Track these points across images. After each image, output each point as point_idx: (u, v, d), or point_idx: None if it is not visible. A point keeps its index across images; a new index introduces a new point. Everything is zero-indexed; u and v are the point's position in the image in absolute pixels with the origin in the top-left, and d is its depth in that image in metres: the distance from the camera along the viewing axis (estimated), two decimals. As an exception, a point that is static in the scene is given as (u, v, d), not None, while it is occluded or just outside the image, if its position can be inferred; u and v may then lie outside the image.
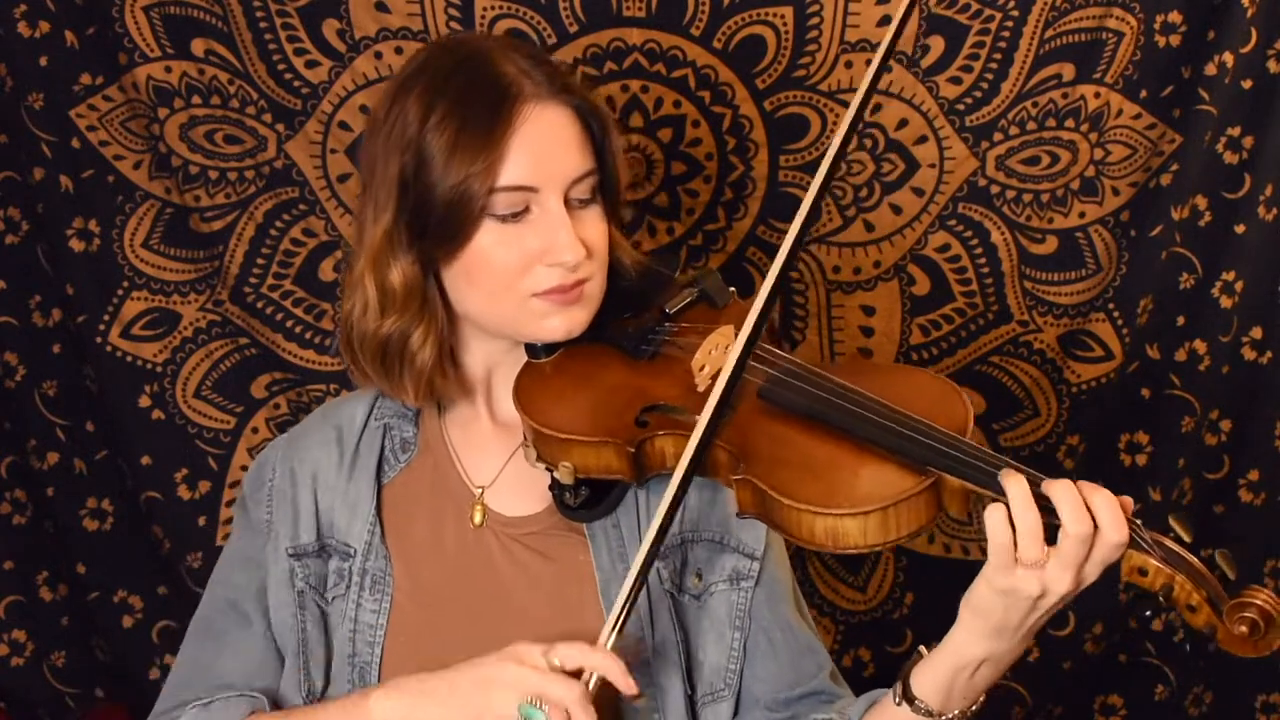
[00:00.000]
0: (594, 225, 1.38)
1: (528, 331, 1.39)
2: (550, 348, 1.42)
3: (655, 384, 1.38)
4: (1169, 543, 1.16)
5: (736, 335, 1.36)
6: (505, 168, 1.32)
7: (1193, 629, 1.17)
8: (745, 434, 1.29)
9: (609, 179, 1.41)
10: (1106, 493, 1.16)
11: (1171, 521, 1.17)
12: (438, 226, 1.34)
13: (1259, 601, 1.13)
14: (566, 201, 1.35)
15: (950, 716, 1.27)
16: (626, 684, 1.21)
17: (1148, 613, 1.17)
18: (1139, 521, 1.17)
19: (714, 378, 1.33)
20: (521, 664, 1.24)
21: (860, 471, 1.24)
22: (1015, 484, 1.15)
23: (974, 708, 1.28)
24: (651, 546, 1.25)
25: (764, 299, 1.32)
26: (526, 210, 1.34)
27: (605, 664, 1.22)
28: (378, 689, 1.31)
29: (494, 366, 1.46)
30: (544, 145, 1.34)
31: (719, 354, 1.36)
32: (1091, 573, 1.16)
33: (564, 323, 1.37)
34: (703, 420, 1.27)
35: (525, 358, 1.43)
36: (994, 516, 1.15)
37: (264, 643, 1.45)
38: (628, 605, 1.24)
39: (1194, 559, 1.16)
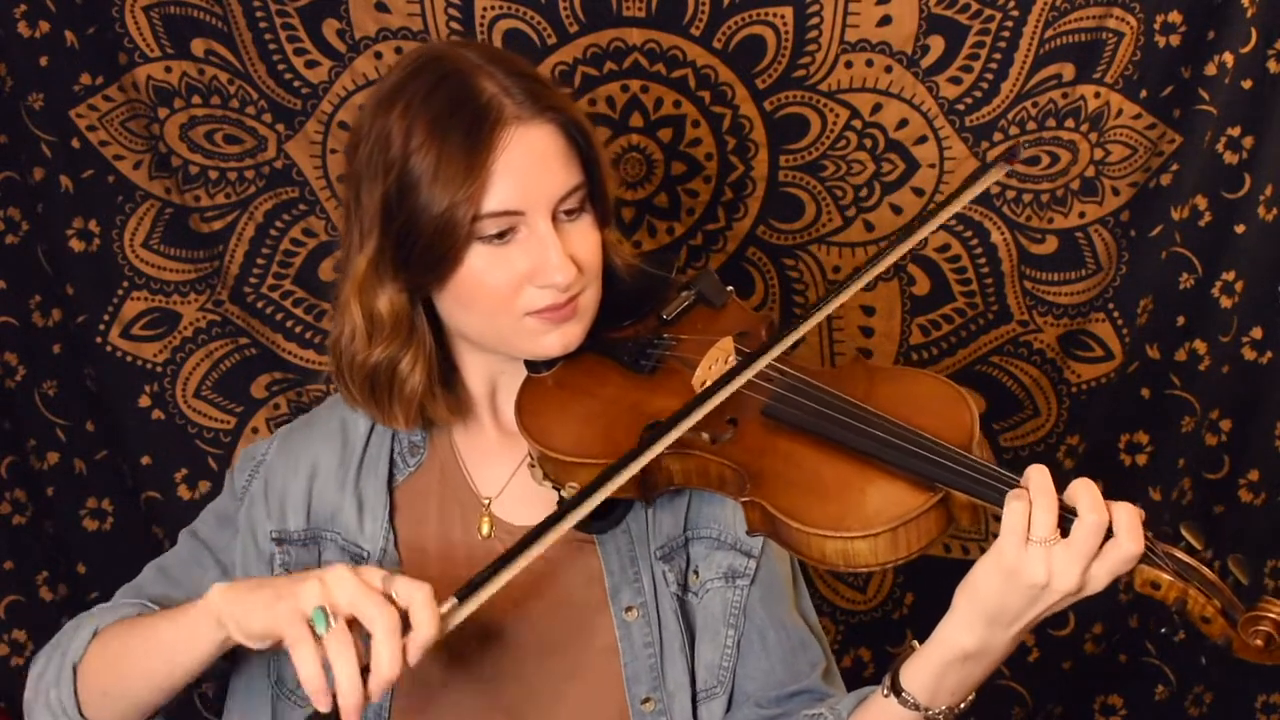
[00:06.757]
0: (584, 237, 1.37)
1: (524, 349, 1.38)
2: (550, 361, 1.41)
3: (658, 400, 1.36)
4: (1180, 554, 1.16)
5: (736, 348, 1.35)
6: (489, 194, 1.29)
7: (1208, 641, 1.17)
8: (750, 453, 1.28)
9: (597, 188, 1.38)
10: (1131, 506, 1.17)
11: (1183, 529, 1.17)
12: (424, 253, 1.32)
13: (1274, 614, 1.13)
14: (555, 217, 1.33)
15: (938, 712, 1.27)
16: (415, 641, 1.13)
17: (1163, 629, 1.17)
18: (1151, 534, 1.17)
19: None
20: (357, 575, 1.16)
21: (868, 490, 1.23)
22: (1037, 471, 1.17)
23: (963, 705, 1.28)
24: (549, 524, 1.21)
25: (766, 356, 1.31)
26: (514, 230, 1.32)
27: (419, 607, 1.14)
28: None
29: (496, 378, 1.46)
30: (528, 168, 1.31)
31: (719, 368, 1.35)
32: (1098, 577, 1.16)
33: (559, 339, 1.37)
34: (654, 447, 1.25)
35: (525, 369, 1.42)
36: (1014, 502, 1.16)
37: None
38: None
39: (1206, 570, 1.16)
